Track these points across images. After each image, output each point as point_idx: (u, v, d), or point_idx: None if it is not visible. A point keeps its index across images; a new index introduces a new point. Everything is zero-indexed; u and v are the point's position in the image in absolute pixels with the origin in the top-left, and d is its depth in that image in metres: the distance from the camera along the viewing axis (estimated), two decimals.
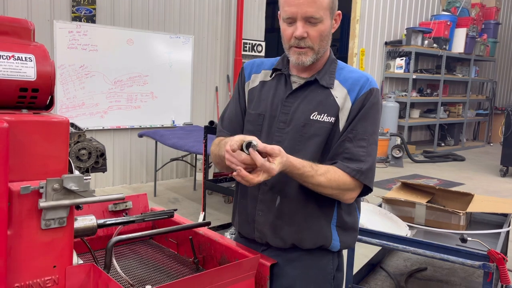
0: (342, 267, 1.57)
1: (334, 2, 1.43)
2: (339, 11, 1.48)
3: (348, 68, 1.53)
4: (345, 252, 2.52)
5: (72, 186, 1.02)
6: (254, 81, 1.60)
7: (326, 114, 1.43)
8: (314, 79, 1.47)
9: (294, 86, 1.50)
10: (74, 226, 1.11)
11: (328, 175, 1.37)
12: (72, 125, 3.10)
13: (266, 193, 1.48)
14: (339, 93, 1.45)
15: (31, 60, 1.04)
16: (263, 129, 1.51)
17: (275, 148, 1.28)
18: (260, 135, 1.50)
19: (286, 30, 1.43)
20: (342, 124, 1.44)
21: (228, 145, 1.28)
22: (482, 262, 1.72)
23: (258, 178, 1.26)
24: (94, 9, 5.27)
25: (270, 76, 1.56)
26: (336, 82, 1.47)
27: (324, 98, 1.45)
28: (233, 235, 1.32)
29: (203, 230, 1.57)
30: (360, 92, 1.44)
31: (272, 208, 1.45)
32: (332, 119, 1.43)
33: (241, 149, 1.27)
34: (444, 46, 9.29)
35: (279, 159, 1.27)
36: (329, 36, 1.46)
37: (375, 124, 1.46)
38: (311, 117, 1.44)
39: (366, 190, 1.47)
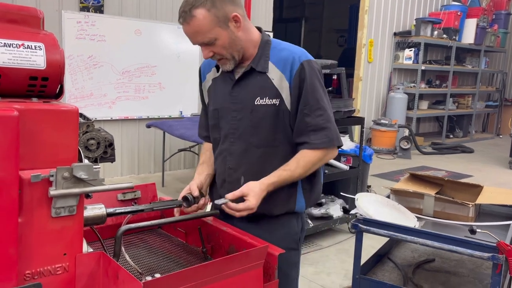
0: (304, 228, 1.76)
1: (219, 13, 1.48)
2: (234, 13, 1.51)
3: (279, 46, 1.63)
4: (351, 244, 2.52)
5: (82, 175, 1.03)
6: (208, 80, 1.75)
7: (267, 97, 1.57)
8: (250, 68, 1.60)
9: (237, 76, 1.63)
10: (84, 215, 1.12)
11: (300, 164, 1.56)
12: (81, 115, 3.11)
13: (231, 175, 1.64)
14: (275, 75, 1.58)
15: (41, 49, 1.04)
16: (220, 121, 1.68)
17: (243, 190, 1.50)
18: (219, 127, 1.68)
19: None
20: (288, 102, 1.57)
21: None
22: (491, 254, 1.71)
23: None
24: None
25: (218, 72, 1.70)
26: (271, 65, 1.59)
27: (263, 82, 1.59)
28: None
29: (211, 220, 1.57)
30: (292, 70, 1.56)
31: (238, 187, 1.56)
32: (276, 101, 1.57)
33: (215, 207, 1.55)
34: (454, 37, 9.18)
35: (252, 193, 1.48)
36: (234, 40, 1.54)
37: (320, 90, 1.59)
38: (256, 103, 1.58)
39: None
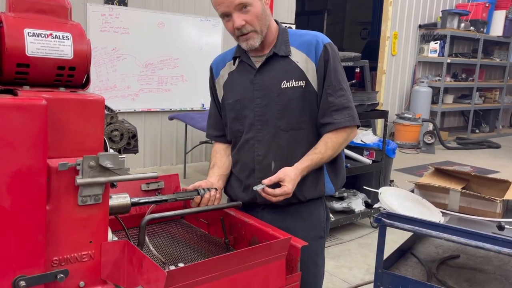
0: (329, 217, 1.81)
1: None
2: None
3: (298, 33, 1.68)
4: (373, 238, 2.50)
5: (108, 164, 1.04)
6: (223, 75, 1.75)
7: (294, 80, 1.60)
8: (273, 53, 1.62)
9: (258, 65, 1.65)
10: (109, 204, 1.13)
11: (329, 145, 1.60)
12: (105, 107, 3.15)
13: (261, 162, 1.65)
14: (299, 57, 1.62)
15: (68, 39, 1.05)
16: (243, 111, 1.68)
17: (279, 175, 1.52)
18: (243, 116, 1.68)
19: (227, 25, 1.58)
20: (314, 84, 1.61)
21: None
22: None
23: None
24: None
25: (234, 65, 1.71)
26: (293, 49, 1.63)
27: (287, 66, 1.62)
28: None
29: (233, 211, 1.57)
30: (317, 51, 1.61)
31: (269, 173, 1.59)
32: (302, 83, 1.60)
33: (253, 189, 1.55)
34: (482, 29, 8.94)
35: (288, 178, 1.51)
36: (265, 13, 1.57)
37: (341, 72, 1.65)
38: (282, 86, 1.61)
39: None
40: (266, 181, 1.51)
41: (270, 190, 1.50)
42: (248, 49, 1.61)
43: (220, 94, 1.77)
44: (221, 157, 1.79)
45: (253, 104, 1.65)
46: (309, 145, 1.62)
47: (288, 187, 1.50)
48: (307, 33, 1.68)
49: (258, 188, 1.51)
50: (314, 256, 1.71)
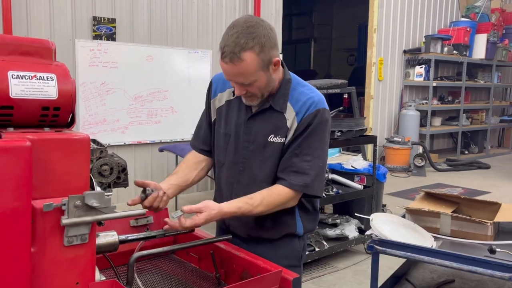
0: (306, 248, 1.83)
1: (264, 58, 1.48)
2: (276, 59, 1.53)
3: (299, 90, 1.64)
4: (368, 265, 2.48)
5: (94, 203, 1.03)
6: (221, 100, 1.75)
7: (279, 136, 1.61)
8: (269, 106, 1.62)
9: (254, 109, 1.64)
10: (96, 242, 1.12)
11: (264, 202, 1.55)
12: (94, 141, 3.14)
13: (235, 193, 1.66)
14: (290, 115, 1.61)
15: (53, 79, 1.06)
16: (229, 147, 1.69)
17: (200, 206, 1.47)
18: (226, 152, 1.70)
19: (231, 84, 1.58)
20: (287, 141, 1.61)
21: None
22: None
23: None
24: (114, 27, 5.38)
25: (233, 96, 1.69)
26: (289, 106, 1.62)
27: (278, 121, 1.62)
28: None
29: (224, 245, 1.56)
30: (306, 113, 1.59)
31: (243, 218, 1.61)
32: (283, 139, 1.61)
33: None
34: (465, 53, 9.14)
35: (206, 213, 1.46)
36: (269, 82, 1.56)
37: (321, 141, 1.62)
38: (269, 139, 1.62)
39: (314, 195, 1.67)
40: (186, 208, 1.44)
41: (182, 220, 1.46)
42: (249, 105, 1.63)
43: (213, 115, 1.77)
44: (186, 168, 1.79)
45: (241, 145, 1.66)
46: None
47: (201, 221, 1.45)
48: (305, 92, 1.64)
49: (176, 215, 1.47)
50: None
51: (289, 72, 1.69)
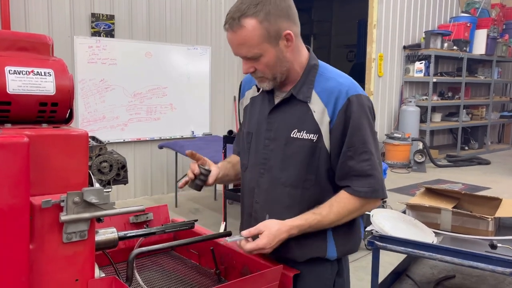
0: (343, 272, 1.51)
1: (269, 29, 1.32)
2: (287, 31, 1.35)
3: (326, 74, 1.45)
4: (369, 261, 2.48)
5: (93, 199, 1.02)
6: (247, 98, 1.62)
7: (305, 131, 1.40)
8: (291, 95, 1.43)
9: (276, 100, 1.47)
10: (96, 239, 1.11)
11: (334, 209, 1.38)
12: (94, 138, 3.14)
13: (257, 211, 1.50)
14: (317, 106, 1.40)
15: (50, 75, 1.05)
16: (251, 146, 1.53)
17: (259, 227, 1.34)
18: (249, 152, 1.54)
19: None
20: (326, 140, 1.39)
21: None
22: None
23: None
24: (113, 23, 5.36)
25: (258, 91, 1.54)
26: (314, 94, 1.41)
27: (302, 113, 1.41)
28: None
29: (224, 241, 1.55)
30: (336, 104, 1.38)
31: None
32: (314, 136, 1.39)
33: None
34: (465, 48, 9.12)
35: (266, 232, 1.32)
36: (280, 60, 1.38)
37: (368, 131, 1.40)
38: (292, 135, 1.41)
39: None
40: (245, 233, 1.34)
41: (242, 243, 1.34)
42: (262, 88, 1.47)
43: (241, 116, 1.66)
44: (237, 162, 1.66)
45: (261, 144, 1.49)
46: (313, 207, 1.40)
47: (262, 241, 1.31)
48: (334, 78, 1.43)
49: (234, 239, 1.39)
50: None
51: (317, 59, 1.49)
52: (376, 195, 1.40)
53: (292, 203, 1.42)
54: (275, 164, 1.44)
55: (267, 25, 1.31)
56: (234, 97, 6.63)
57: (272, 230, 1.32)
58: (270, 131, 1.46)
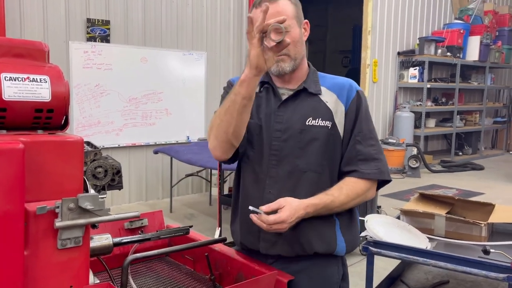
0: (347, 277, 1.62)
1: (299, 12, 1.52)
2: (306, 20, 1.56)
3: (329, 76, 1.63)
4: (363, 266, 2.49)
5: (87, 205, 1.02)
6: None
7: (321, 119, 1.51)
8: (303, 88, 1.54)
9: (283, 97, 1.56)
10: (90, 245, 1.11)
11: (343, 191, 1.47)
12: (88, 143, 3.13)
13: (270, 201, 1.45)
14: (329, 98, 1.54)
15: (46, 81, 1.05)
16: (260, 138, 1.56)
17: (279, 202, 1.38)
18: (257, 144, 1.55)
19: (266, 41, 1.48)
20: (340, 127, 1.52)
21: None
22: (507, 275, 1.66)
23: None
24: (108, 29, 5.37)
25: (259, 91, 1.58)
26: (323, 88, 1.56)
27: (315, 103, 1.53)
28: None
29: (219, 247, 1.56)
30: (349, 95, 1.54)
31: None
32: (329, 123, 1.51)
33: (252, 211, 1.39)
34: (458, 55, 9.20)
35: (288, 206, 1.37)
36: (301, 42, 1.53)
37: (372, 122, 1.59)
38: (307, 123, 1.51)
39: (384, 181, 1.57)
40: (265, 207, 1.37)
41: (264, 216, 1.36)
42: (277, 72, 1.51)
43: None
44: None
45: (271, 136, 1.53)
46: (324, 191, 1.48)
47: (285, 213, 1.35)
48: (339, 77, 1.62)
49: (254, 209, 1.38)
50: None
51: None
52: (382, 176, 1.52)
53: (310, 188, 1.49)
54: (290, 152, 1.51)
55: (297, 8, 1.51)
56: None
57: (293, 205, 1.38)
58: (280, 123, 1.53)
